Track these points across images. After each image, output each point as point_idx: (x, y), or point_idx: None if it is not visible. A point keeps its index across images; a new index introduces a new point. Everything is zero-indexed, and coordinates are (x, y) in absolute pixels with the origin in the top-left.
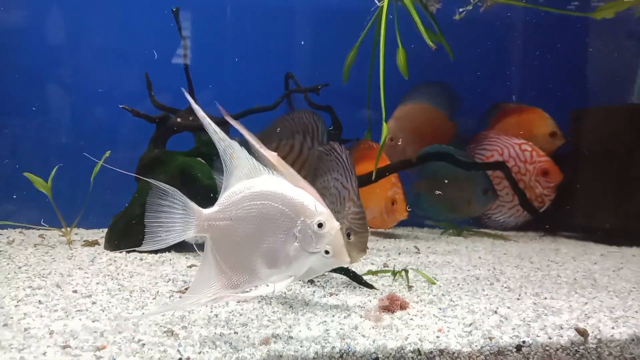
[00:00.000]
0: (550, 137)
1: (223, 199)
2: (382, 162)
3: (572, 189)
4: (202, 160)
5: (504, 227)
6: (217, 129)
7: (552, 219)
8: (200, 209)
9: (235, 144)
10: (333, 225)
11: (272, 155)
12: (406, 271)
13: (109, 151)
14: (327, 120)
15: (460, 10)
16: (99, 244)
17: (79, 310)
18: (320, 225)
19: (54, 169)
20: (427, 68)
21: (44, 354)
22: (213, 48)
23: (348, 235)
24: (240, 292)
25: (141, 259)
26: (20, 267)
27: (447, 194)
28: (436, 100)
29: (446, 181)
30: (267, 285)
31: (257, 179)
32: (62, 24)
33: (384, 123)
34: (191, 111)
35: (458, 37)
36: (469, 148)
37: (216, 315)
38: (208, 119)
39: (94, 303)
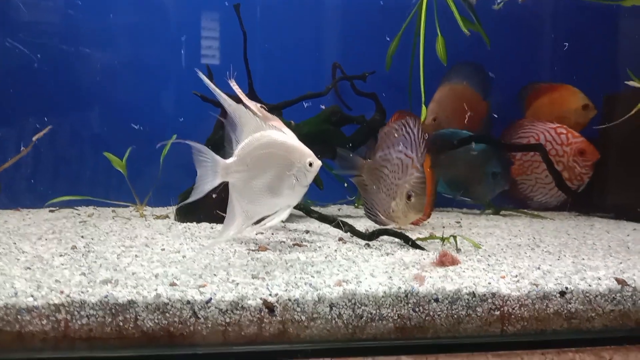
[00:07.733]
0: (583, 110)
1: (238, 150)
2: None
3: (605, 172)
4: None
5: (546, 207)
6: (227, 98)
7: (587, 201)
8: (224, 160)
9: (241, 108)
10: (318, 163)
11: (254, 105)
12: (454, 237)
13: (175, 135)
14: (372, 106)
15: (499, 1)
16: (169, 217)
17: (173, 262)
18: (310, 164)
19: (128, 150)
20: (463, 52)
21: (156, 289)
22: (267, 41)
23: (409, 197)
24: (256, 222)
25: (212, 228)
26: (107, 233)
27: (459, 176)
28: (471, 80)
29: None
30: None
31: (261, 132)
32: (133, 22)
33: (423, 106)
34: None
35: (493, 24)
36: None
37: (292, 266)
38: (220, 92)
39: (183, 257)
